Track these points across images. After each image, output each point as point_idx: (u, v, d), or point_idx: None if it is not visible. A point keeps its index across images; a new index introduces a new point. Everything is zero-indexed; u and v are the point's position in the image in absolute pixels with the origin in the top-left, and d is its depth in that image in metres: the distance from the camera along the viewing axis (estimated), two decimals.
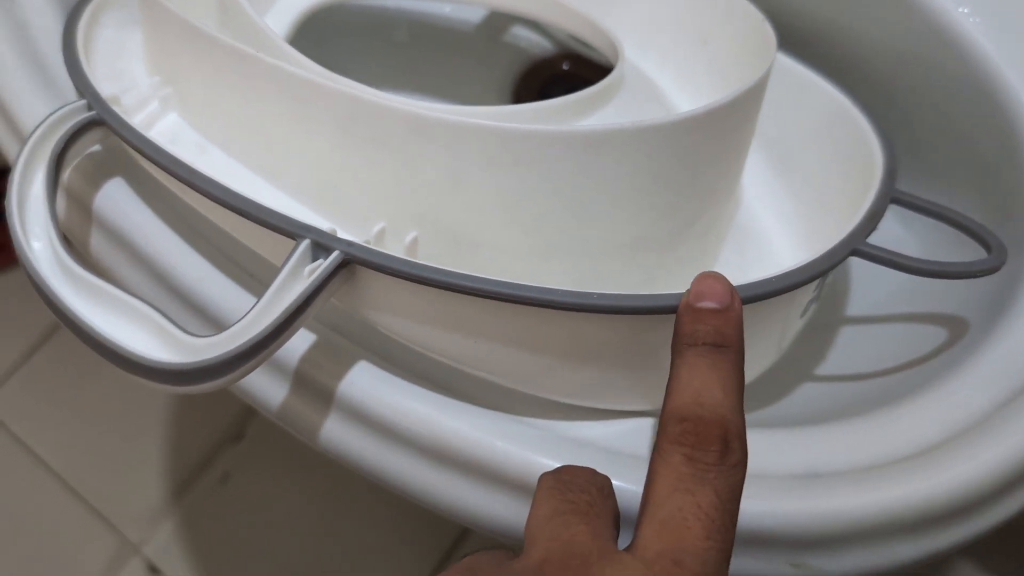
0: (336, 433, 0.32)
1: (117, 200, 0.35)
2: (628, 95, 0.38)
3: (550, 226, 0.31)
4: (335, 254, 0.28)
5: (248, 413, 0.93)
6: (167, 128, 0.35)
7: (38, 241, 0.32)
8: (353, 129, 0.30)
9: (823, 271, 0.30)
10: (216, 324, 0.33)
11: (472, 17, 0.56)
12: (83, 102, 0.34)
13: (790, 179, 0.42)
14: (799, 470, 0.31)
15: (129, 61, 0.39)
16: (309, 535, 0.86)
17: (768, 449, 0.31)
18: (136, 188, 0.35)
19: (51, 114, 0.33)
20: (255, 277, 0.33)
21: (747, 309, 0.29)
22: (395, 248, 0.31)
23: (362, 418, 0.31)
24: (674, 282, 0.34)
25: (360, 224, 0.32)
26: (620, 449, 0.31)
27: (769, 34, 0.38)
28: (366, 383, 0.31)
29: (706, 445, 0.22)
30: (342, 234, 0.29)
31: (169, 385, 0.29)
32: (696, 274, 0.26)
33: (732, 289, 0.25)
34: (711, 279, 0.26)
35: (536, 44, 0.56)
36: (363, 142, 0.30)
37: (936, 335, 0.38)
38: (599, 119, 0.37)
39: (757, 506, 0.29)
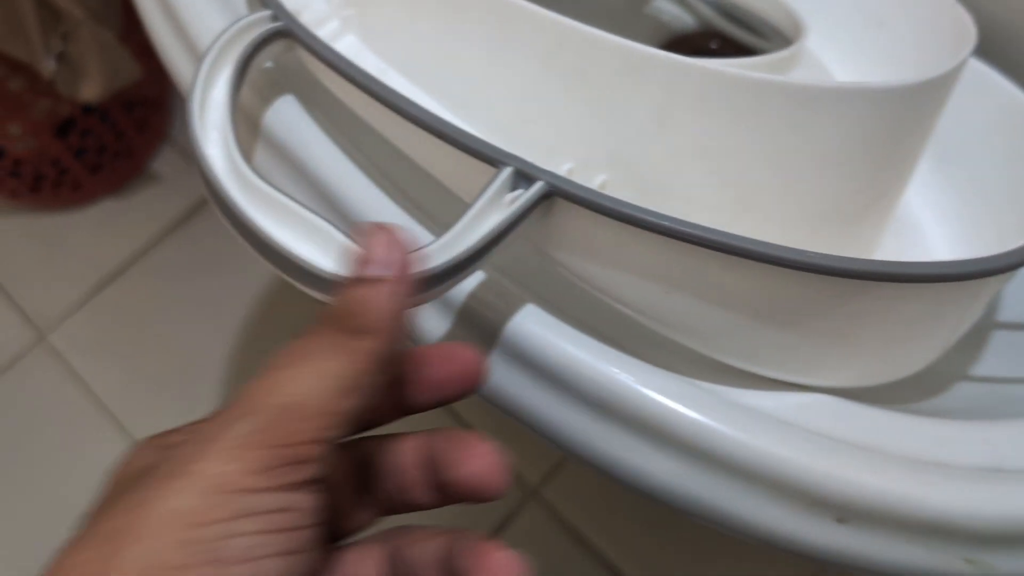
0: (497, 375, 0.31)
1: (288, 117, 0.34)
2: (803, 71, 0.37)
3: (750, 182, 0.30)
4: (539, 184, 0.27)
5: None
6: (345, 49, 0.35)
7: (215, 147, 0.31)
8: (558, 61, 0.29)
9: None
10: None
11: None
12: (267, 12, 0.33)
13: (951, 175, 0.41)
14: (984, 464, 0.29)
15: None
16: None
17: (951, 440, 0.30)
18: (308, 108, 0.34)
19: (237, 20, 0.32)
20: (426, 211, 0.32)
21: (951, 290, 0.28)
22: None
23: (527, 361, 0.30)
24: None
25: (547, 162, 0.31)
26: (795, 421, 0.30)
27: (964, 18, 0.36)
28: (534, 326, 0.30)
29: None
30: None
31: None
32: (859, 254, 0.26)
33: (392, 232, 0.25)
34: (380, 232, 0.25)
35: (678, 19, 0.54)
36: (566, 75, 0.29)
37: None
38: None
39: (938, 495, 0.28)
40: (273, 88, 0.34)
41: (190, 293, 1.08)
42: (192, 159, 0.31)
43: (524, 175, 0.27)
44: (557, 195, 0.27)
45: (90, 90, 0.91)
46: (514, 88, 0.31)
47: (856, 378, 0.31)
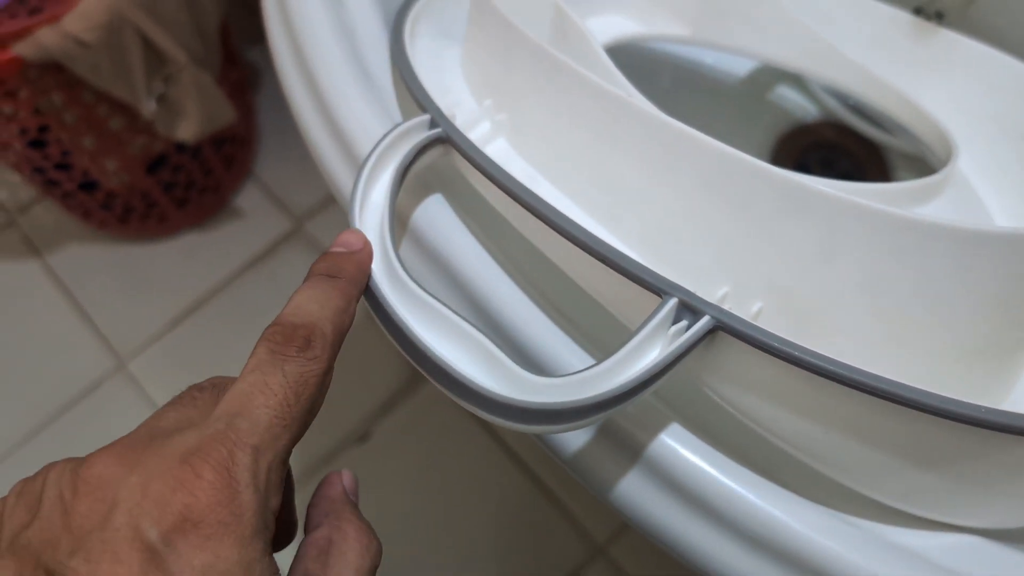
0: (635, 492, 0.31)
1: (438, 218, 0.34)
2: (951, 194, 0.36)
3: (908, 319, 0.29)
4: (705, 319, 0.27)
5: (376, 415, 0.93)
6: (496, 154, 0.35)
7: (374, 250, 0.31)
8: (719, 186, 0.29)
9: None
10: (535, 367, 0.32)
11: (738, 69, 0.55)
12: (425, 117, 0.33)
13: None
14: None
15: (448, 76, 0.38)
16: (423, 541, 0.86)
17: None
18: (457, 210, 0.35)
19: (398, 125, 0.33)
20: (577, 325, 0.32)
21: None
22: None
23: (669, 482, 0.30)
24: (1005, 391, 0.33)
25: (701, 285, 0.31)
26: (945, 564, 0.29)
27: None
28: (678, 447, 0.30)
29: (289, 341, 0.26)
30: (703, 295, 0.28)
31: (502, 419, 0.28)
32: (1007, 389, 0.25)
33: (366, 241, 0.31)
34: (350, 234, 0.31)
35: (801, 107, 0.54)
36: (727, 201, 0.29)
37: None
38: (926, 211, 0.35)
39: None
40: (422, 186, 0.35)
41: (266, 324, 1.10)
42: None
43: (689, 307, 0.27)
44: (723, 330, 0.27)
45: (187, 131, 0.94)
46: (670, 207, 0.31)
47: (1006, 520, 0.31)
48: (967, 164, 0.41)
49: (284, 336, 0.27)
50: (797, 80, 0.54)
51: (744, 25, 0.44)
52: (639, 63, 0.54)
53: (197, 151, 1.02)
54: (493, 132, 0.35)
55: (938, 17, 0.47)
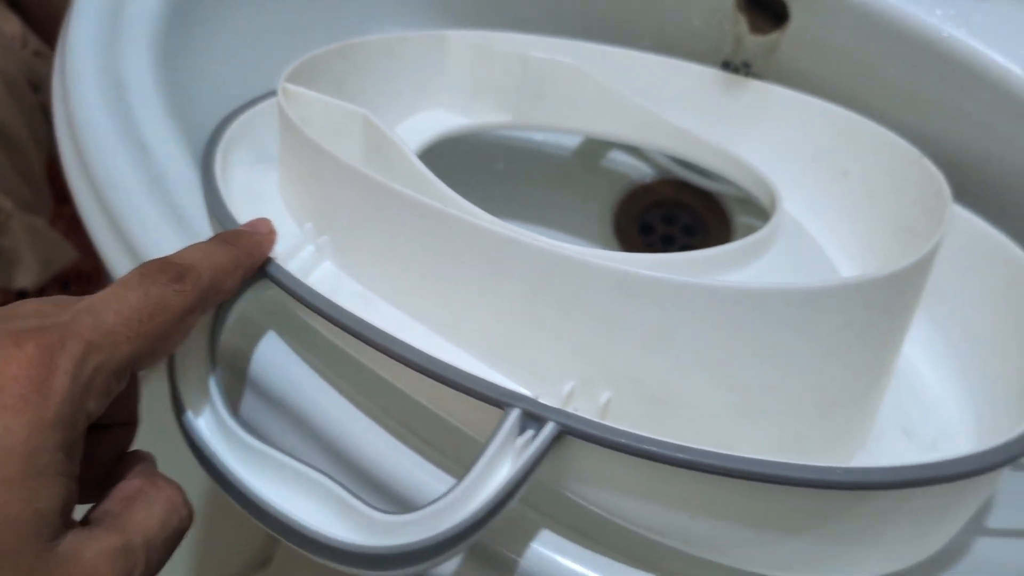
0: None
1: (274, 359, 0.33)
2: (785, 246, 0.37)
3: (756, 385, 0.29)
4: (550, 425, 0.26)
5: (274, 538, 0.89)
6: (323, 277, 0.34)
7: (199, 405, 0.30)
8: (549, 286, 0.29)
9: None
10: (392, 499, 0.30)
11: (568, 142, 0.55)
12: None
13: (943, 323, 0.41)
14: None
15: (265, 203, 0.37)
16: None
17: None
18: (292, 344, 0.33)
19: None
20: (432, 445, 0.31)
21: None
22: (588, 409, 0.29)
23: None
24: (861, 438, 0.33)
25: (547, 384, 0.30)
26: None
27: (933, 173, 0.37)
28: (553, 554, 0.29)
29: (161, 271, 0.27)
30: (544, 400, 0.27)
31: (360, 569, 0.26)
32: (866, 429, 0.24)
33: (272, 229, 0.32)
34: (261, 220, 0.33)
35: (635, 168, 0.55)
36: (559, 299, 0.29)
37: None
38: (764, 264, 0.35)
39: None
40: (253, 327, 0.33)
41: None
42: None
43: (532, 415, 0.26)
44: (570, 434, 0.26)
45: (25, 278, 0.89)
46: (509, 312, 0.30)
47: (890, 565, 0.30)
48: (797, 207, 0.42)
49: (158, 266, 0.27)
50: (626, 144, 0.55)
51: (566, 107, 0.45)
52: (471, 149, 0.54)
53: (42, 294, 0.98)
54: (317, 256, 0.34)
55: (746, 68, 0.48)
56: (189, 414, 0.29)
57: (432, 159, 0.49)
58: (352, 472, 0.31)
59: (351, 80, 0.42)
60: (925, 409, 0.38)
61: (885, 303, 0.30)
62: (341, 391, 0.31)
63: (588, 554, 0.29)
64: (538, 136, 0.55)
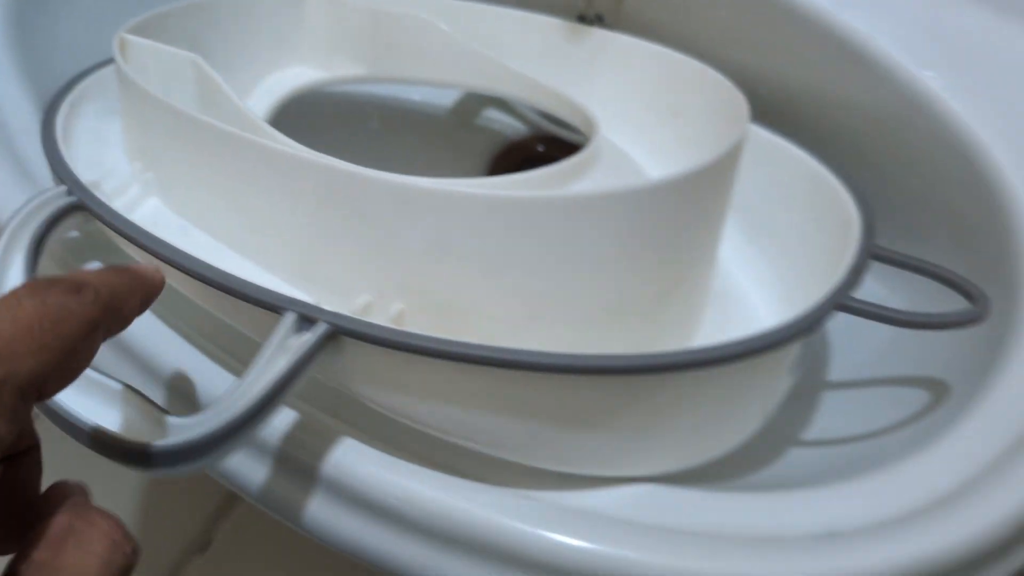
0: (322, 514, 0.31)
1: None
2: (604, 167, 0.38)
3: (535, 291, 0.31)
4: (321, 326, 0.28)
5: (214, 518, 0.90)
6: (148, 212, 0.35)
7: None
8: (335, 202, 0.30)
9: (810, 326, 0.30)
10: (197, 406, 0.32)
11: (444, 101, 0.57)
12: (63, 188, 0.34)
13: (767, 245, 0.43)
14: (818, 530, 0.30)
15: (109, 149, 0.39)
16: None
17: (784, 510, 0.30)
18: None
19: (30, 200, 0.33)
20: (240, 359, 0.32)
21: (738, 369, 0.29)
22: (381, 321, 0.31)
23: (349, 497, 0.31)
24: (660, 347, 0.35)
25: (345, 298, 0.31)
26: (621, 515, 0.30)
27: (740, 101, 0.38)
28: (351, 461, 0.31)
29: (55, 284, 0.23)
30: (327, 307, 0.29)
31: (150, 468, 0.28)
32: (682, 339, 0.25)
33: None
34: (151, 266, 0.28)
35: (509, 126, 0.57)
36: (346, 215, 0.30)
37: (915, 396, 0.38)
38: (584, 185, 0.37)
39: (779, 568, 0.28)
40: (76, 257, 0.35)
41: None
42: None
43: (307, 318, 0.28)
44: (341, 334, 0.28)
45: None
46: (304, 230, 0.32)
47: (677, 462, 0.32)
48: (630, 143, 0.44)
49: (48, 281, 0.23)
50: (502, 102, 0.56)
51: (415, 58, 0.46)
52: (347, 110, 0.55)
53: None
54: (143, 193, 0.35)
55: (599, 20, 0.50)
56: None
57: (311, 118, 0.51)
58: (161, 384, 0.32)
59: (205, 37, 0.44)
60: (745, 318, 0.40)
61: (658, 214, 0.31)
62: (156, 313, 0.33)
63: (388, 459, 0.31)
64: (416, 95, 0.57)
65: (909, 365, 0.40)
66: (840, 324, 0.44)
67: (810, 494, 0.31)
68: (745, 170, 0.42)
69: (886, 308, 0.32)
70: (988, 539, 0.29)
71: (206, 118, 0.32)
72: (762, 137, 0.42)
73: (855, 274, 0.33)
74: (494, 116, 0.57)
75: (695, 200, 0.33)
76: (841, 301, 0.31)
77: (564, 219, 0.30)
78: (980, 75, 0.39)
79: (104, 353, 0.33)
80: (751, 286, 0.43)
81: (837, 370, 0.43)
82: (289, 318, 0.28)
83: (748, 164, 0.42)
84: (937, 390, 0.37)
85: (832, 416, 0.40)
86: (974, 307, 0.32)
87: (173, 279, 0.32)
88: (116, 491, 0.91)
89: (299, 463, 0.31)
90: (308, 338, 0.28)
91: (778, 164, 0.42)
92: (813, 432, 0.40)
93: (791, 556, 0.29)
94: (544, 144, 0.56)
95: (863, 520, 0.30)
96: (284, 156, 0.31)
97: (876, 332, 0.41)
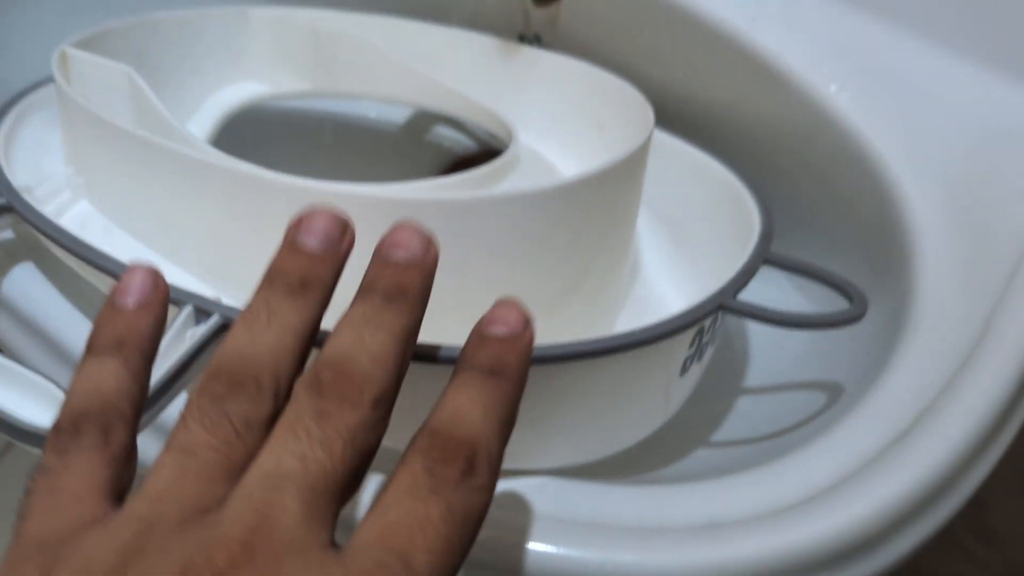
0: None
1: (24, 283, 0.36)
2: (520, 173, 0.40)
3: (440, 287, 0.32)
4: (214, 317, 0.29)
5: None
6: (77, 215, 0.37)
7: None
8: (236, 203, 0.32)
9: (689, 323, 0.32)
10: None
11: (396, 118, 0.59)
12: None
13: (686, 252, 0.44)
14: (699, 522, 0.31)
15: (50, 156, 0.41)
16: None
17: (668, 503, 0.32)
18: (47, 273, 0.37)
19: None
20: None
21: (624, 360, 0.31)
22: None
23: None
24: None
25: (248, 294, 0.33)
26: (518, 506, 0.32)
27: (648, 112, 0.40)
28: None
29: (450, 460, 0.21)
30: (228, 302, 0.30)
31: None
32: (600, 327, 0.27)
33: (527, 319, 0.25)
34: (507, 306, 0.25)
35: (458, 143, 0.58)
36: (246, 214, 0.32)
37: (819, 399, 0.39)
38: (502, 189, 0.39)
39: (660, 558, 0.30)
40: (8, 257, 0.37)
41: None
42: None
43: (203, 311, 0.30)
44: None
45: None
46: (210, 230, 0.33)
47: (573, 456, 0.34)
48: (559, 154, 0.46)
49: (444, 452, 0.21)
50: (452, 120, 0.58)
51: (353, 73, 0.48)
52: (304, 126, 0.57)
53: None
54: (74, 196, 0.37)
55: (537, 40, 0.52)
56: None
57: (265, 133, 0.53)
58: None
59: (151, 53, 0.46)
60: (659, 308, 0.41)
61: (551, 215, 0.33)
62: (72, 303, 0.35)
63: None
64: (372, 113, 0.59)
65: (817, 370, 0.42)
66: (761, 335, 0.46)
67: (696, 488, 0.33)
68: (668, 182, 0.44)
69: (766, 309, 0.33)
70: (857, 532, 0.31)
71: (123, 125, 0.34)
72: (685, 151, 0.44)
73: (740, 278, 0.34)
74: (444, 133, 0.58)
75: (589, 204, 0.34)
76: (723, 302, 0.33)
77: (452, 220, 0.31)
78: (882, 90, 0.40)
79: (32, 348, 0.36)
80: (671, 292, 0.44)
81: (755, 377, 0.45)
82: (186, 311, 0.30)
83: (671, 176, 0.44)
84: (835, 393, 0.39)
85: (742, 419, 0.42)
86: (852, 308, 0.34)
87: (91, 276, 0.34)
88: None
89: None
90: (202, 329, 0.29)
91: (698, 176, 0.44)
92: (721, 434, 0.41)
93: (670, 545, 0.30)
94: (492, 157, 0.57)
95: (741, 512, 0.32)
96: (189, 159, 0.32)
97: (793, 342, 0.43)
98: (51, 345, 0.35)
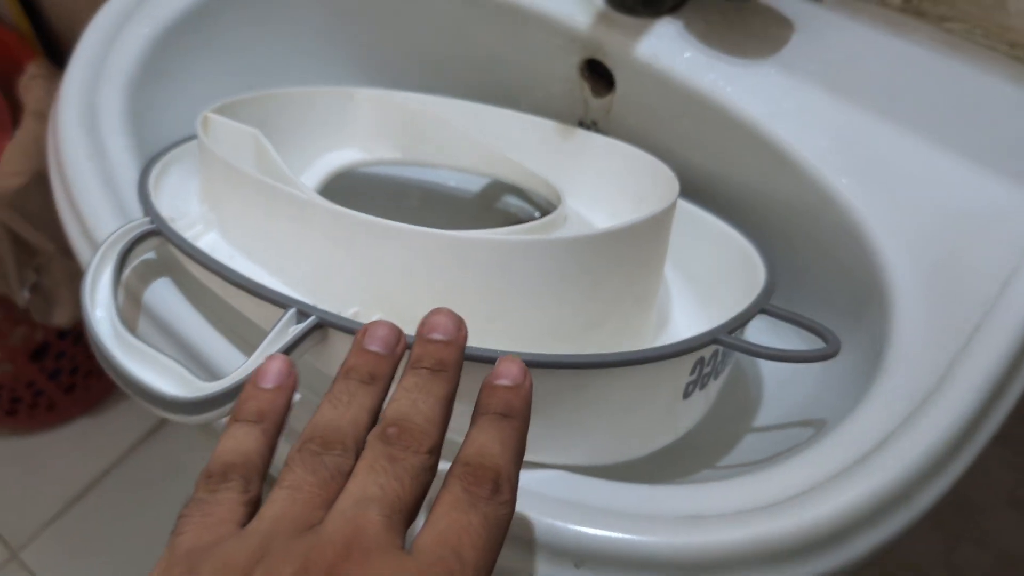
0: None
1: (163, 293, 0.45)
2: (567, 230, 0.48)
3: (478, 314, 0.40)
4: (311, 318, 0.38)
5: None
6: (209, 242, 0.47)
7: (101, 311, 0.42)
8: (334, 235, 0.41)
9: (684, 350, 0.39)
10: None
11: (472, 188, 0.68)
12: (147, 219, 0.45)
13: (708, 306, 0.52)
14: (685, 514, 0.38)
15: (188, 197, 0.51)
16: None
17: (661, 498, 0.38)
18: (179, 286, 0.46)
19: (121, 226, 0.45)
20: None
21: (632, 374, 0.38)
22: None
23: None
24: None
25: (340, 309, 0.41)
26: (537, 491, 0.39)
27: (674, 184, 0.48)
28: None
29: (481, 483, 0.28)
30: (322, 307, 0.39)
31: (181, 415, 0.38)
32: None
33: (526, 372, 0.32)
34: (509, 362, 0.33)
35: (523, 210, 0.67)
36: (340, 245, 0.41)
37: (810, 432, 0.46)
38: None
39: (652, 539, 0.36)
40: (152, 272, 0.46)
41: (159, 501, 1.17)
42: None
43: (303, 313, 0.38)
44: (325, 325, 0.38)
45: (62, 317, 1.02)
46: (314, 256, 0.42)
47: (588, 457, 0.41)
48: (600, 220, 0.54)
49: (476, 478, 0.28)
50: (520, 191, 0.67)
51: (438, 148, 0.58)
52: (393, 190, 0.67)
53: (79, 336, 1.08)
54: (205, 227, 0.47)
55: (594, 125, 0.61)
56: (94, 319, 0.42)
57: (361, 192, 0.63)
58: (201, 363, 0.43)
59: (273, 121, 0.56)
60: None
61: (579, 261, 0.41)
62: (198, 310, 0.44)
63: None
64: (452, 181, 0.68)
65: (818, 410, 0.48)
66: (775, 375, 0.52)
67: (685, 488, 0.40)
68: (698, 248, 0.52)
69: (754, 345, 0.40)
70: (824, 528, 0.37)
71: (250, 171, 0.43)
72: (708, 221, 0.52)
73: (736, 321, 0.41)
74: (512, 201, 0.67)
75: (612, 253, 0.42)
76: (717, 337, 0.40)
77: (497, 257, 0.39)
78: (876, 177, 0.47)
79: (159, 339, 0.44)
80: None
81: (769, 415, 0.51)
82: (290, 312, 0.38)
83: (699, 243, 0.52)
84: (820, 426, 0.45)
85: (747, 450, 0.48)
86: (827, 347, 0.41)
87: (218, 287, 0.43)
88: None
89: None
90: (301, 327, 0.38)
91: (719, 243, 0.51)
92: (726, 460, 0.48)
93: (659, 529, 0.37)
94: None
95: (723, 509, 0.38)
96: (301, 201, 0.42)
97: (803, 383, 0.50)
98: (180, 342, 0.44)
